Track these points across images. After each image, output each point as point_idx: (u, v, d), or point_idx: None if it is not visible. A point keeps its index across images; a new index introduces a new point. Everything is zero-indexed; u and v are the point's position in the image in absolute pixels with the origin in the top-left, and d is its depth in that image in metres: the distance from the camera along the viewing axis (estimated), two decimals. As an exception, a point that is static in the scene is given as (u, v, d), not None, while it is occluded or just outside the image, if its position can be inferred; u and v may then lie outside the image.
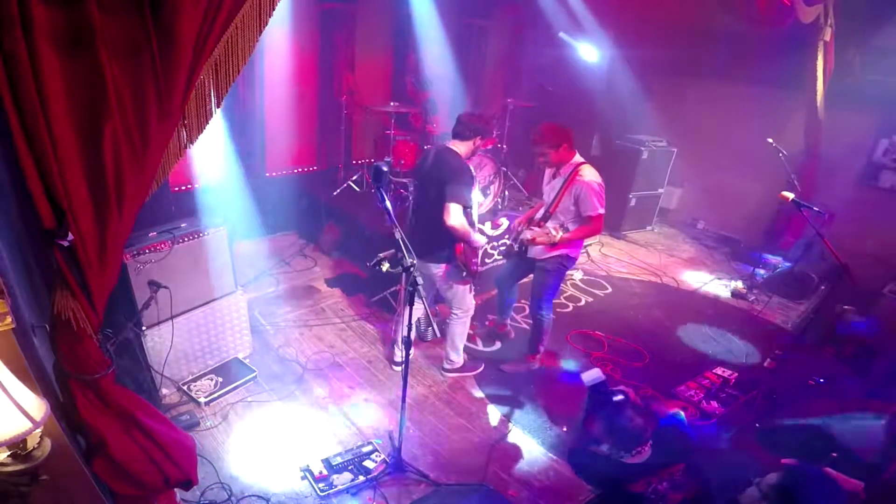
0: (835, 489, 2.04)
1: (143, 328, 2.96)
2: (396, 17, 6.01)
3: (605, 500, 2.82)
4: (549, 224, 3.38)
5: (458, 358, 3.64)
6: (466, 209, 3.13)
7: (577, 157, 3.35)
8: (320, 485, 2.68)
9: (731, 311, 4.99)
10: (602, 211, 3.24)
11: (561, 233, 3.21)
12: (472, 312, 3.55)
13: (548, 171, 3.48)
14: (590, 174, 3.26)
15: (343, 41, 5.58)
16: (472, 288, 3.49)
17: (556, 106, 6.16)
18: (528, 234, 3.42)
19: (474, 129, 3.17)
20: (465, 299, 3.44)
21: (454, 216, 3.02)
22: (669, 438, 2.75)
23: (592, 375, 2.95)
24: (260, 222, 5.36)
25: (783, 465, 2.27)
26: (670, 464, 2.57)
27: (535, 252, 3.50)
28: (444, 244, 3.21)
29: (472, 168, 3.18)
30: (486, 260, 4.80)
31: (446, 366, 3.67)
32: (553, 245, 3.31)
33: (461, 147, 3.19)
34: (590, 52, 6.18)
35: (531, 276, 3.68)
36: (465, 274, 3.31)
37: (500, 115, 6.01)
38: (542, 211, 3.53)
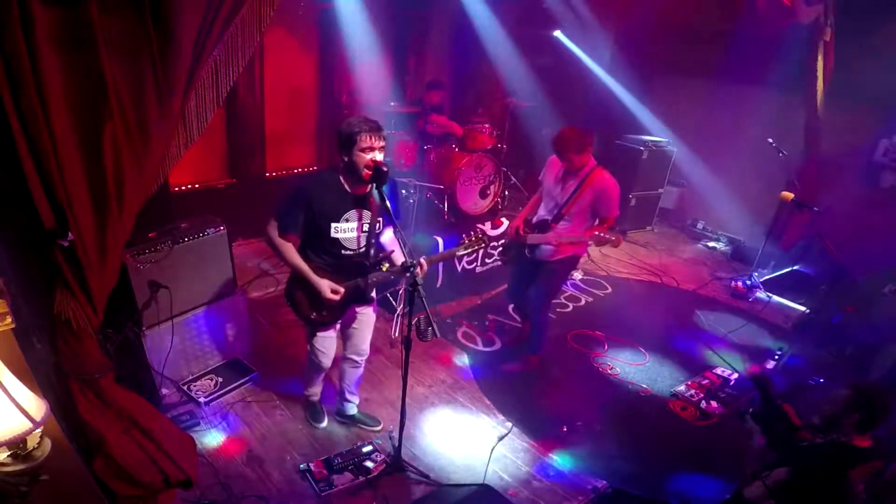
0: (847, 488, 2.01)
1: (143, 328, 2.95)
2: (397, 17, 6.00)
3: (606, 499, 2.82)
4: (562, 224, 3.35)
5: (310, 391, 3.14)
6: (291, 232, 2.54)
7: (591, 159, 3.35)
8: (320, 485, 2.69)
9: (730, 311, 4.98)
10: (618, 212, 3.32)
11: (613, 235, 3.13)
12: (318, 365, 2.86)
13: (550, 168, 3.46)
14: (608, 176, 3.27)
15: (343, 41, 5.56)
16: (318, 337, 2.75)
17: (555, 106, 6.16)
18: (553, 239, 3.21)
19: (338, 143, 2.55)
20: (311, 342, 2.79)
21: (267, 230, 2.56)
22: None
23: None
24: (260, 222, 5.36)
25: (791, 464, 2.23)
26: None
27: (545, 254, 3.43)
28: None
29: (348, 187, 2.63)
30: (487, 260, 4.81)
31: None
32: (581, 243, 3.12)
33: (340, 167, 2.62)
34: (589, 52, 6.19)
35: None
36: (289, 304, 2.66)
37: (498, 115, 5.99)
38: (547, 210, 3.45)
